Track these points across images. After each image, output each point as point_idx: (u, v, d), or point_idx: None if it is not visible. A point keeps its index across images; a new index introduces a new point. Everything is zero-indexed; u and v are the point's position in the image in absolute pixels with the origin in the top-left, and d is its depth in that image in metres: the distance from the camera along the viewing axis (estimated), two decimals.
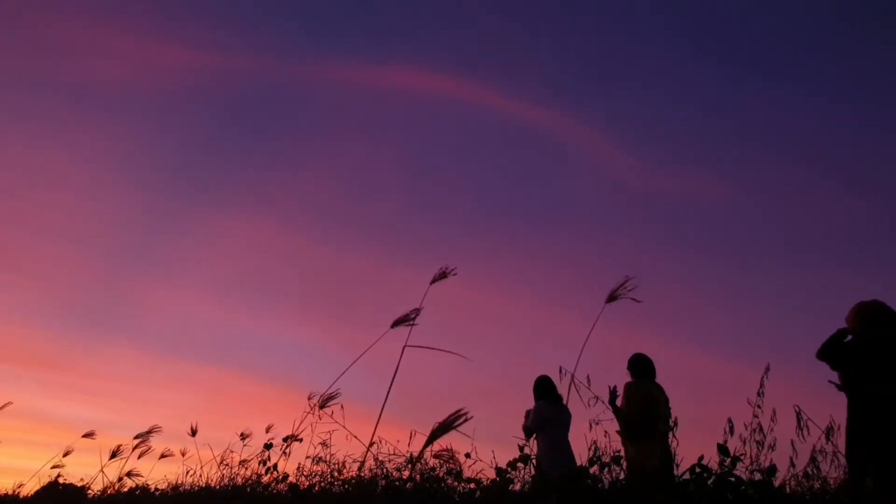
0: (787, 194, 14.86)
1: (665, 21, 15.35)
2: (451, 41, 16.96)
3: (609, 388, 4.69)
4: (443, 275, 6.24)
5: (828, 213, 14.04)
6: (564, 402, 5.02)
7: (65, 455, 8.01)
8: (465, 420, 3.08)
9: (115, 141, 16.66)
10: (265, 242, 16.35)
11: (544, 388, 4.98)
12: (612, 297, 5.84)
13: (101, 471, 7.41)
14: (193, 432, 7.16)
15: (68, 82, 16.12)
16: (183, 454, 7.19)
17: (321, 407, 5.92)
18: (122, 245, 16.78)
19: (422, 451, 3.38)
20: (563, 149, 16.19)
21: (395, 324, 6.12)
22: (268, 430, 6.53)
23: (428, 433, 3.22)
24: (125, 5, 16.30)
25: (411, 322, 6.05)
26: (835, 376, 3.33)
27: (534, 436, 4.92)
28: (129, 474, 7.29)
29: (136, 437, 7.52)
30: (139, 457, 7.40)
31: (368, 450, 6.18)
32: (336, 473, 6.17)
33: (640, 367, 4.62)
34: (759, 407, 4.36)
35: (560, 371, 5.34)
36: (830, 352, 3.34)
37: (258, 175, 17.32)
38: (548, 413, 4.76)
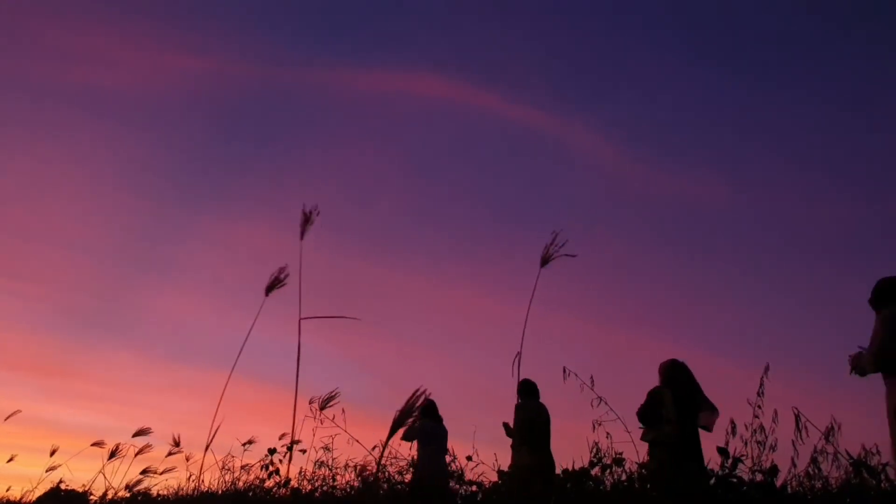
0: (787, 195, 14.87)
1: (666, 23, 15.40)
2: (452, 45, 17.02)
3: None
4: (307, 220, 5.84)
5: (828, 213, 14.05)
6: (571, 402, 5.42)
7: (52, 454, 7.98)
8: (426, 398, 3.17)
9: (117, 147, 16.72)
10: (268, 247, 16.38)
11: (428, 409, 6.01)
12: (545, 260, 5.73)
13: (101, 472, 7.40)
14: (248, 443, 7.02)
15: (70, 88, 16.21)
16: (187, 459, 7.19)
17: (321, 409, 5.89)
18: (127, 251, 16.83)
19: (387, 441, 3.48)
20: (564, 151, 16.22)
21: (270, 289, 5.81)
22: (281, 437, 6.51)
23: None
24: (127, 12, 16.38)
25: (282, 283, 5.79)
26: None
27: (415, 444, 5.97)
28: (144, 472, 7.26)
29: (134, 436, 7.52)
30: (136, 454, 7.39)
31: (370, 453, 6.19)
32: (338, 477, 6.17)
33: (527, 389, 5.62)
34: (759, 407, 4.35)
35: (564, 371, 5.36)
36: (646, 418, 4.50)
37: (260, 180, 17.37)
38: (428, 429, 5.84)
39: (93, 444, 7.75)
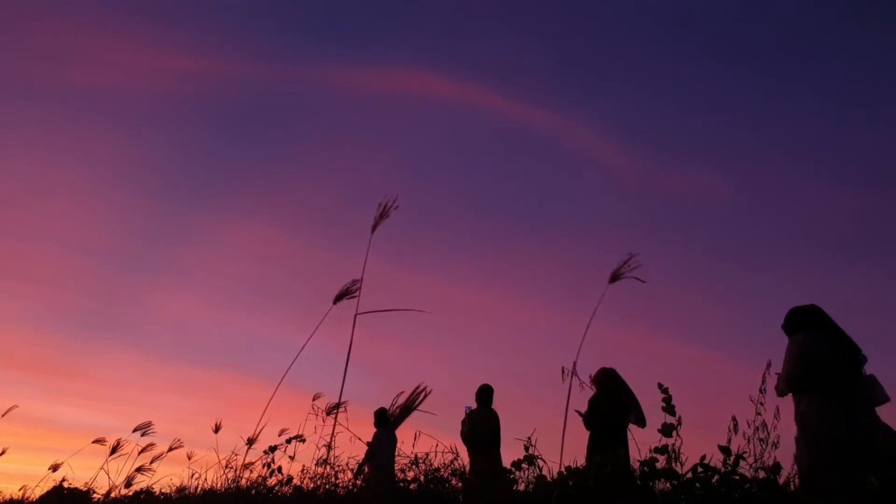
0: (789, 193, 14.86)
1: (666, 21, 15.37)
2: (451, 44, 16.99)
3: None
4: (384, 214, 6.01)
5: (829, 210, 14.03)
6: (567, 401, 5.52)
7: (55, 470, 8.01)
8: (425, 396, 3.22)
9: (116, 148, 16.71)
10: (267, 247, 16.38)
11: (382, 417, 6.41)
12: (615, 277, 5.69)
13: (102, 468, 7.39)
14: (217, 429, 7.16)
15: (69, 90, 16.19)
16: (189, 457, 7.19)
17: (327, 414, 5.93)
18: (126, 251, 16.83)
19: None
20: (564, 150, 16.20)
21: (338, 298, 5.96)
22: (281, 433, 6.54)
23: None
24: (124, 13, 16.35)
25: (353, 294, 5.96)
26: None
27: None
28: (139, 469, 7.26)
29: (134, 431, 7.52)
30: (140, 452, 7.39)
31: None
32: (340, 475, 6.17)
33: (482, 395, 5.88)
34: (761, 404, 4.35)
35: (563, 371, 5.39)
36: (592, 425, 4.99)
37: (260, 180, 17.36)
38: (382, 439, 6.23)
39: (94, 442, 7.75)
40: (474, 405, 5.91)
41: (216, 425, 7.07)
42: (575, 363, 5.57)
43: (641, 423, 4.97)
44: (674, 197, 15.63)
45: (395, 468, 6.25)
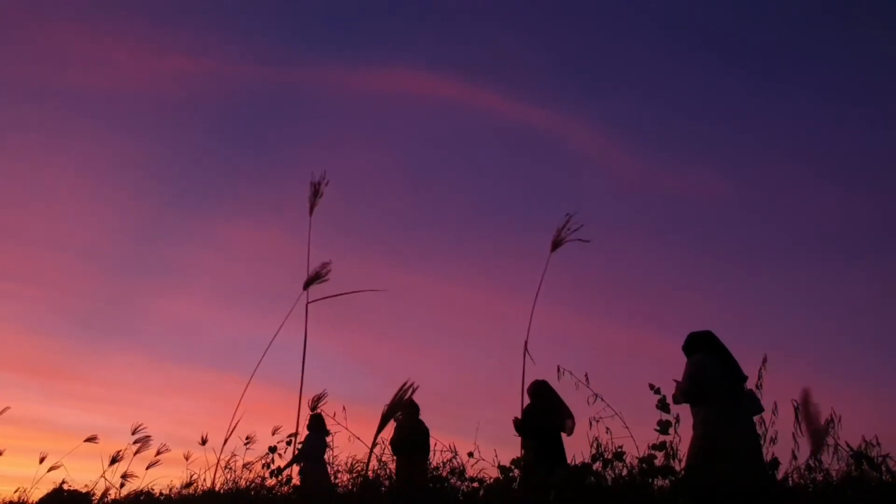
0: (787, 191, 14.86)
1: (666, 21, 15.38)
2: (451, 44, 17.00)
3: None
4: (316, 192, 5.94)
5: (828, 208, 14.04)
6: (565, 401, 5.55)
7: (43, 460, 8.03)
8: (413, 391, 3.22)
9: (117, 149, 16.73)
10: (267, 247, 16.38)
11: (319, 422, 6.62)
12: (557, 244, 5.46)
13: (103, 476, 7.42)
14: (203, 441, 7.22)
15: (69, 91, 16.21)
16: (186, 458, 7.20)
17: (312, 409, 5.97)
18: (125, 252, 16.83)
19: (376, 435, 3.57)
20: (564, 149, 16.21)
21: (308, 283, 5.86)
22: (274, 432, 6.57)
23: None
24: (124, 14, 16.38)
25: (324, 279, 5.85)
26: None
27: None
28: (123, 476, 7.31)
29: (132, 434, 7.55)
30: (135, 453, 7.42)
31: (371, 451, 6.19)
32: (338, 475, 6.18)
33: (410, 406, 6.20)
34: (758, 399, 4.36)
35: (558, 370, 5.36)
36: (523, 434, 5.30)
37: (259, 180, 17.36)
38: (312, 444, 6.43)
39: (86, 440, 7.78)
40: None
41: (249, 438, 7.07)
42: (526, 342, 5.46)
43: (569, 432, 5.30)
44: (674, 197, 15.64)
45: (395, 467, 6.26)
